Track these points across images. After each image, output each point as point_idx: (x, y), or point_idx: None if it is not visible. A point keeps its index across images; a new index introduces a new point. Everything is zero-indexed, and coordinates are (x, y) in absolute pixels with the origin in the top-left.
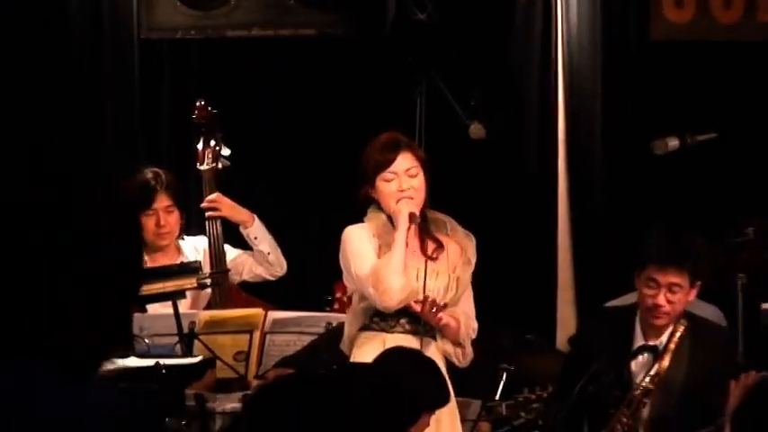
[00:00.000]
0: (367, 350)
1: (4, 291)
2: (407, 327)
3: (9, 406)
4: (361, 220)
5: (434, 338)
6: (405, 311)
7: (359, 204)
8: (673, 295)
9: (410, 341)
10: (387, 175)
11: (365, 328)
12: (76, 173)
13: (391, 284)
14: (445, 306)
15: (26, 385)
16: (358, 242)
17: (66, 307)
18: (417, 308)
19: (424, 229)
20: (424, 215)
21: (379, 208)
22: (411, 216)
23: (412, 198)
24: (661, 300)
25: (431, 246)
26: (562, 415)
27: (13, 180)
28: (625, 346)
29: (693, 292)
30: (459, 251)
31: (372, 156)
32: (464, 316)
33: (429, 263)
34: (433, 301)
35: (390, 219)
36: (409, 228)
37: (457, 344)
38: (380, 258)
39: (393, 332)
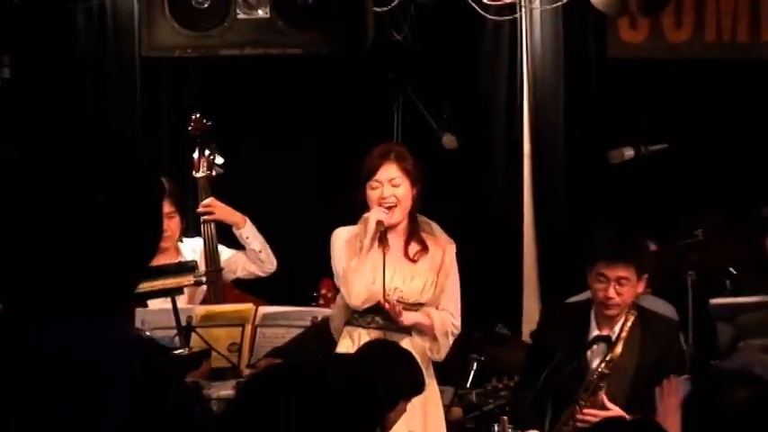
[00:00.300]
0: (345, 343)
1: (8, 283)
2: (381, 323)
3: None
4: (349, 221)
5: (409, 334)
6: (379, 309)
7: (357, 205)
8: (621, 287)
9: (381, 336)
10: (372, 183)
11: (348, 322)
12: (80, 174)
13: (354, 287)
14: (422, 305)
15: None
16: (338, 244)
17: (64, 301)
18: (386, 306)
19: (412, 231)
20: (414, 218)
21: None
22: (378, 224)
23: (394, 205)
24: (611, 292)
25: (414, 248)
26: (528, 402)
27: (18, 180)
28: (582, 337)
29: (641, 285)
30: (441, 255)
31: (365, 164)
32: (440, 315)
33: (388, 265)
34: (393, 303)
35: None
36: (374, 235)
37: (434, 339)
38: (349, 262)
39: (368, 328)
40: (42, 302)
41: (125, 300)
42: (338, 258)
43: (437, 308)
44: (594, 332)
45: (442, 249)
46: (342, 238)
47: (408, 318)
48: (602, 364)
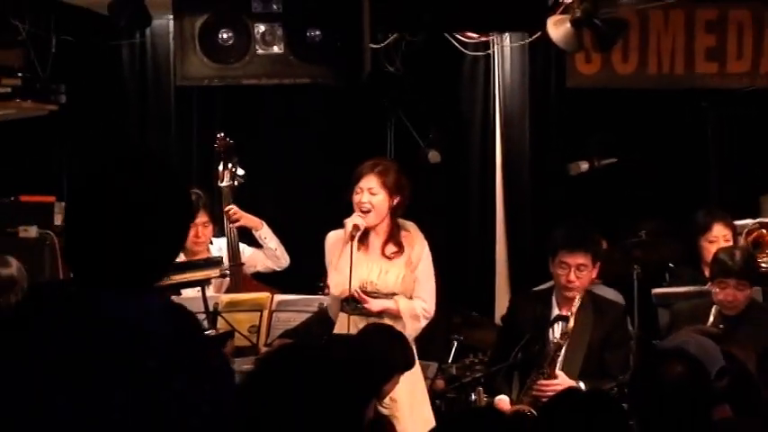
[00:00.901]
0: (339, 326)
1: (87, 240)
2: (361, 309)
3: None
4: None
5: (381, 318)
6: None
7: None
8: (580, 273)
9: (363, 320)
10: (356, 188)
11: (340, 309)
12: (137, 194)
13: (332, 281)
14: (396, 294)
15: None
16: (327, 246)
17: (128, 249)
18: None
19: (391, 234)
20: (394, 222)
21: None
22: (354, 228)
23: (368, 211)
24: (572, 277)
25: (391, 248)
26: (501, 374)
27: (91, 196)
28: (545, 318)
29: (595, 271)
30: (415, 251)
31: (356, 170)
32: (408, 301)
33: (367, 261)
34: (358, 293)
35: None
36: (353, 238)
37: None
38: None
39: (353, 314)
40: (107, 283)
41: (159, 281)
42: (327, 257)
43: (411, 296)
44: (556, 312)
45: (416, 246)
46: (329, 241)
47: (375, 305)
48: (559, 337)
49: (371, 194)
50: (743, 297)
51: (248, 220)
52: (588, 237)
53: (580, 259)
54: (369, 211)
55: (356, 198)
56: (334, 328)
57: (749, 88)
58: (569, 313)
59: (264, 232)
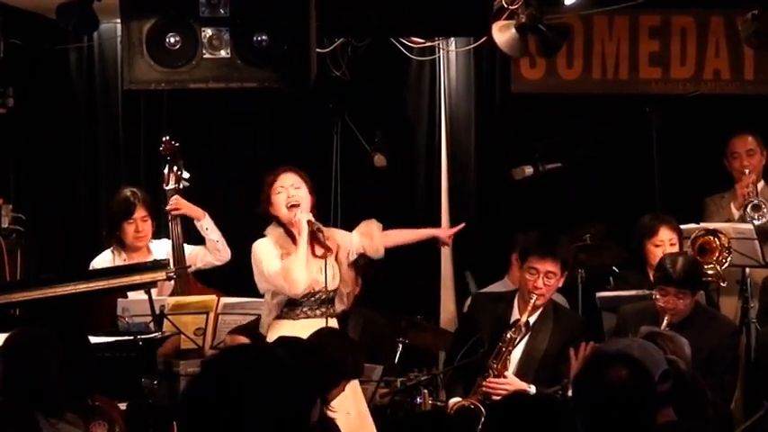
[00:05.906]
0: (279, 333)
1: None
2: (308, 313)
3: None
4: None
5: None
6: (305, 303)
7: (261, 219)
8: (548, 280)
9: (314, 323)
10: (277, 188)
11: (278, 317)
12: None
13: (297, 277)
14: (335, 291)
15: None
16: (266, 249)
17: None
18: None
19: (314, 237)
20: (314, 225)
21: (277, 224)
22: (309, 223)
23: (297, 205)
24: (539, 283)
25: (319, 249)
26: (447, 377)
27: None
28: (505, 320)
29: (562, 280)
30: (336, 248)
31: (266, 179)
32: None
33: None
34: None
35: (286, 230)
36: (308, 234)
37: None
38: (285, 259)
39: (298, 318)
40: None
41: None
42: (270, 259)
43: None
44: (516, 315)
45: (336, 244)
46: (268, 244)
47: None
48: (510, 331)
49: (296, 188)
50: (683, 306)
51: (190, 209)
52: (560, 245)
53: (549, 266)
54: (298, 205)
55: (280, 198)
56: (270, 337)
57: (693, 93)
58: (529, 319)
59: (206, 222)
